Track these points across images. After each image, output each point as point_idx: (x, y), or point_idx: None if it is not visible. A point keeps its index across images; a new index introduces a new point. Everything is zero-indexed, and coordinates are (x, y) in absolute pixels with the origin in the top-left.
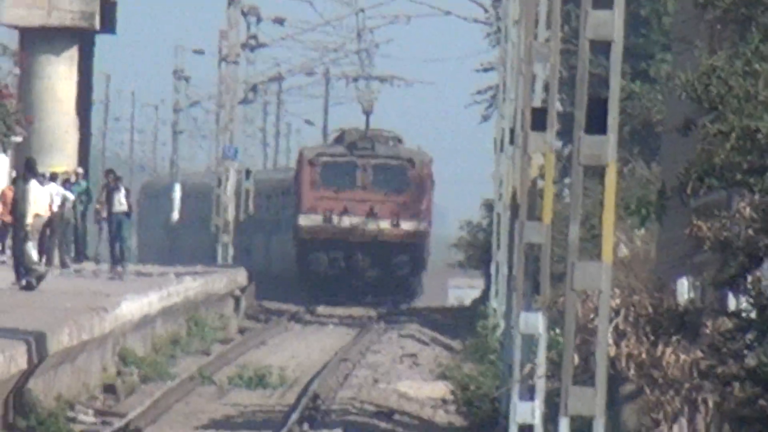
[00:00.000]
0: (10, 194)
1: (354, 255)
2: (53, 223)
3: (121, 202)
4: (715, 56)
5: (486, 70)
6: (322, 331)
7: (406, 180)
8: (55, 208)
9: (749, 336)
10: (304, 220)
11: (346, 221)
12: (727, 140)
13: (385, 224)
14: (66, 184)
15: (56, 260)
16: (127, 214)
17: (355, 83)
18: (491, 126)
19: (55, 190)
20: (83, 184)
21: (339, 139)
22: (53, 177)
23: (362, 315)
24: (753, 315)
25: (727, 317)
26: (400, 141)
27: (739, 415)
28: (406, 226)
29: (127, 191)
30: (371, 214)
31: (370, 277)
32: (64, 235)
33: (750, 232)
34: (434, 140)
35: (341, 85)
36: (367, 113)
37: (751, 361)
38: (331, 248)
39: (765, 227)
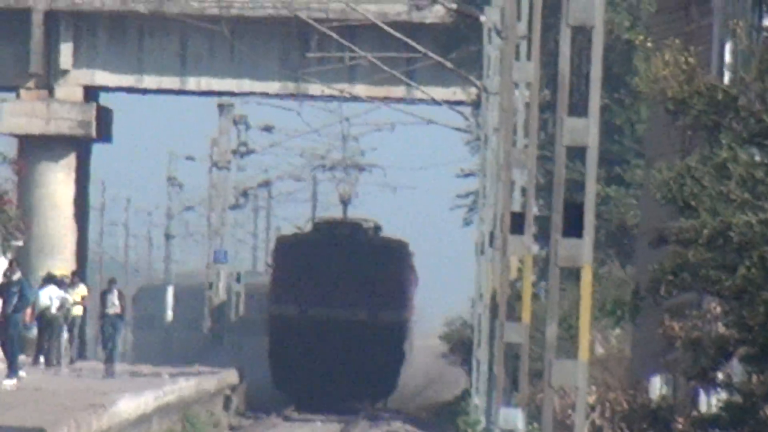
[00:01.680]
0: None
1: (329, 347)
2: (53, 325)
3: (114, 303)
4: (689, 157)
5: (467, 175)
6: (308, 427)
7: (385, 269)
8: (54, 310)
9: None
10: (278, 310)
11: (323, 312)
12: (699, 237)
13: (362, 315)
14: (62, 286)
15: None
16: (120, 316)
17: (333, 172)
18: (473, 229)
19: (55, 293)
20: (81, 286)
21: (316, 228)
22: (51, 279)
23: (347, 409)
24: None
25: (694, 419)
26: (378, 229)
27: None
28: (385, 317)
29: (121, 294)
30: (348, 304)
31: (345, 370)
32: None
33: (720, 330)
34: (419, 242)
35: (328, 190)
36: (345, 202)
37: None
38: (306, 339)
39: (735, 321)
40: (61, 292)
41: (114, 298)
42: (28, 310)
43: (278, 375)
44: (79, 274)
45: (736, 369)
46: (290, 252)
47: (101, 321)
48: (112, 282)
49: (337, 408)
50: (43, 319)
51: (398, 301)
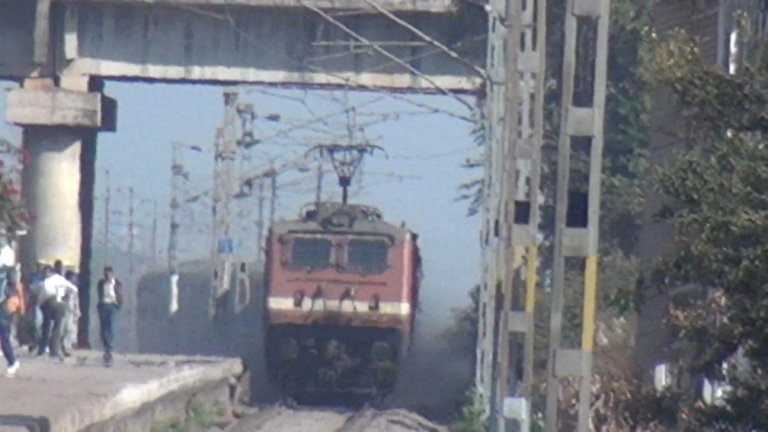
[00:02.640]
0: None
1: (327, 342)
2: (57, 314)
3: (110, 293)
4: (690, 151)
5: (472, 165)
6: (313, 416)
7: (386, 258)
8: (59, 300)
9: (723, 422)
10: (273, 304)
11: (320, 304)
12: (702, 231)
13: (362, 307)
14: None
15: (63, 349)
16: (116, 305)
17: (332, 154)
18: (479, 218)
19: (60, 282)
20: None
21: (312, 214)
22: (57, 269)
23: (352, 399)
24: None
25: (698, 410)
26: (379, 216)
27: None
28: (386, 309)
29: (118, 283)
30: (347, 296)
31: (344, 366)
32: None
33: (725, 320)
34: (424, 231)
35: (333, 180)
36: (344, 182)
37: None
38: (303, 334)
39: (739, 315)
40: (66, 282)
41: (110, 288)
42: (16, 300)
43: (275, 372)
44: (84, 264)
45: (741, 360)
46: (284, 241)
47: (98, 310)
48: (108, 271)
49: (339, 402)
50: (49, 308)
51: (402, 293)
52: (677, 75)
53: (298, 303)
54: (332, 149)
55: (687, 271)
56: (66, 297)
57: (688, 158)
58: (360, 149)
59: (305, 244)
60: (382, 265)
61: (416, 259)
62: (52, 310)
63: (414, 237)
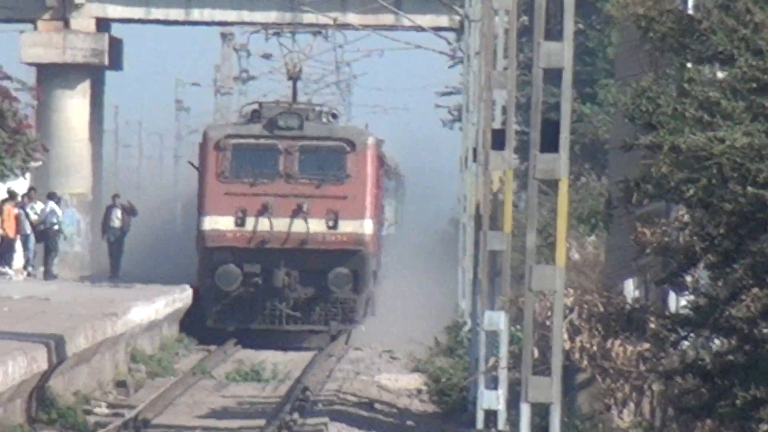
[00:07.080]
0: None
1: (276, 268)
2: (56, 240)
3: (117, 217)
4: (645, 77)
5: (451, 93)
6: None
7: (345, 167)
8: (55, 228)
9: (687, 329)
10: (209, 224)
11: (266, 223)
12: (660, 153)
13: (317, 226)
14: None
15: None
16: (122, 229)
17: (279, 38)
18: (459, 147)
19: (58, 211)
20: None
21: (256, 116)
22: (51, 196)
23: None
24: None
25: (665, 318)
26: (335, 117)
27: (681, 404)
28: (347, 227)
29: (125, 208)
30: (299, 213)
31: (297, 298)
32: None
33: (686, 236)
34: (409, 160)
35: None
36: (294, 78)
37: (690, 352)
38: (246, 259)
39: (698, 232)
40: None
41: (117, 213)
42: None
43: (211, 306)
44: (96, 193)
45: (702, 273)
46: (221, 148)
47: (105, 234)
48: (115, 197)
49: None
50: (50, 234)
51: (365, 208)
52: (639, 12)
53: (239, 222)
54: (278, 33)
55: (647, 191)
56: (58, 224)
57: (643, 84)
58: (313, 33)
59: (247, 152)
60: (341, 176)
61: (382, 168)
62: (50, 237)
63: (379, 142)
